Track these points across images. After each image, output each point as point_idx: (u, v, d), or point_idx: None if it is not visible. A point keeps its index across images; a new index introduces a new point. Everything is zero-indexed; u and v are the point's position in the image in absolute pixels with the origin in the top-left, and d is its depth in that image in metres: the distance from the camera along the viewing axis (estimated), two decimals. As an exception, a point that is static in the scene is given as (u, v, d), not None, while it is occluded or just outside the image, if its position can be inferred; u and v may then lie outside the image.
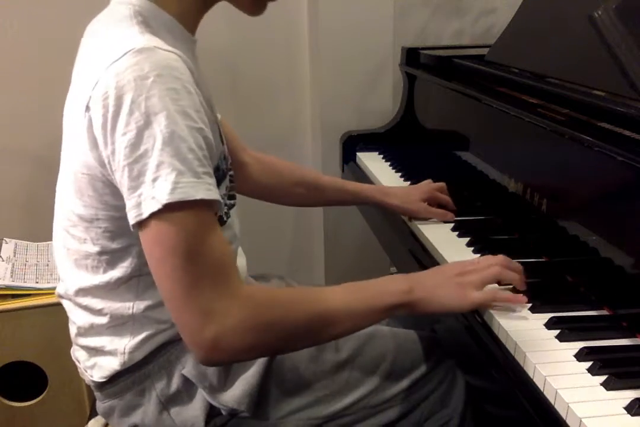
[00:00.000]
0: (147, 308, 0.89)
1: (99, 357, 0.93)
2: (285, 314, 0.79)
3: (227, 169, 0.94)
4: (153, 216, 0.72)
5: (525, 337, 0.81)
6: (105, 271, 0.88)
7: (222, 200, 0.79)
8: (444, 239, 1.12)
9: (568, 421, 0.68)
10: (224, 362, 0.84)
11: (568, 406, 0.68)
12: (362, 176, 1.59)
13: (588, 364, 0.75)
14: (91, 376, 0.95)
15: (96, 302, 0.90)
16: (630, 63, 0.98)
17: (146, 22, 0.81)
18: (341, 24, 1.81)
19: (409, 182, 1.43)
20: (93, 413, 1.10)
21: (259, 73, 1.93)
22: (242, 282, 0.78)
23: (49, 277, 1.51)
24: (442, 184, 1.27)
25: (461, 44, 1.96)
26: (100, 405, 0.98)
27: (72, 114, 0.83)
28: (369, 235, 1.57)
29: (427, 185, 1.27)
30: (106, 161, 0.76)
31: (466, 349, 0.92)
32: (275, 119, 2.00)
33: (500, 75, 1.28)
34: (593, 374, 0.73)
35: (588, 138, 0.90)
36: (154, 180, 0.72)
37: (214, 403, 0.92)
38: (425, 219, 1.21)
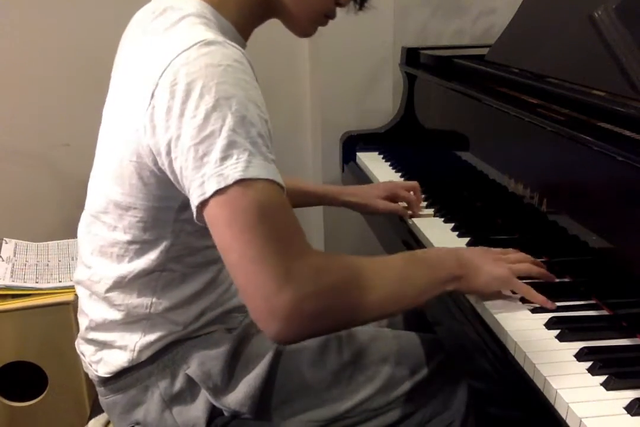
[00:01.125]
0: (165, 309, 0.90)
1: (106, 352, 0.93)
2: (362, 280, 0.76)
3: None
4: (220, 192, 0.70)
5: (525, 337, 0.81)
6: (130, 260, 0.88)
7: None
8: (444, 239, 1.12)
9: (568, 421, 0.68)
10: (303, 331, 0.75)
11: (568, 406, 0.68)
12: (362, 176, 1.59)
13: (588, 364, 0.75)
14: (96, 371, 0.95)
15: (116, 296, 0.90)
16: (630, 63, 0.98)
17: (207, 24, 0.82)
18: (341, 24, 1.80)
19: (409, 182, 1.43)
20: (93, 413, 1.10)
21: (259, 73, 1.92)
22: (313, 248, 0.75)
23: (49, 277, 1.51)
24: (412, 183, 1.27)
25: (461, 44, 1.96)
26: (102, 400, 0.98)
27: (126, 102, 0.82)
28: (368, 235, 1.57)
29: (389, 183, 1.30)
30: (163, 148, 0.75)
31: (467, 350, 0.92)
32: (276, 119, 1.99)
33: (500, 75, 1.28)
34: (593, 374, 0.73)
35: (588, 138, 0.90)
36: (223, 159, 0.71)
37: (216, 404, 0.92)
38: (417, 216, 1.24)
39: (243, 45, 0.90)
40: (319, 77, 1.89)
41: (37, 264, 1.57)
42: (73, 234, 1.48)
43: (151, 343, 0.91)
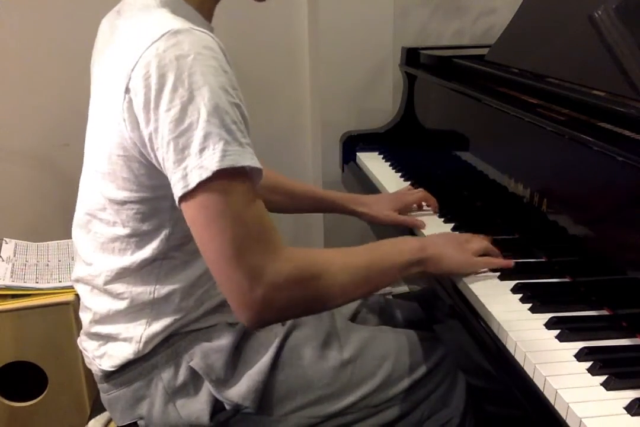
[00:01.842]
0: (168, 293, 0.91)
1: (111, 346, 0.94)
2: (325, 272, 0.83)
3: None
4: (200, 185, 0.74)
5: (525, 337, 0.81)
6: (133, 253, 0.89)
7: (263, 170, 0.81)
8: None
9: (568, 421, 0.68)
10: (272, 320, 0.86)
11: (568, 406, 0.68)
12: (362, 176, 1.59)
13: (588, 364, 0.75)
14: (100, 365, 0.95)
15: (118, 286, 0.91)
16: (630, 63, 0.98)
17: (173, 11, 0.83)
18: (341, 24, 1.81)
19: (409, 182, 1.43)
20: (93, 413, 1.10)
21: (259, 73, 1.93)
22: (283, 244, 0.80)
23: (49, 277, 1.51)
24: (424, 195, 1.26)
25: (461, 44, 1.96)
26: (104, 397, 0.98)
27: (106, 97, 0.84)
28: (369, 235, 1.57)
29: (401, 195, 1.28)
30: (147, 140, 0.78)
31: (466, 349, 0.92)
32: (275, 119, 2.00)
33: (500, 75, 1.28)
34: (593, 374, 0.73)
35: (588, 138, 0.90)
36: (201, 151, 0.74)
37: (219, 397, 0.92)
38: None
39: (209, 28, 0.90)
40: (319, 77, 1.89)
41: (37, 264, 1.57)
42: (73, 234, 1.46)
43: (156, 334, 0.91)
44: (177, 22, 0.79)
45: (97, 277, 0.92)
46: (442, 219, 1.21)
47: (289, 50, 1.94)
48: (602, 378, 0.72)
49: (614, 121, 0.92)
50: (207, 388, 0.93)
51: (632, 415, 0.67)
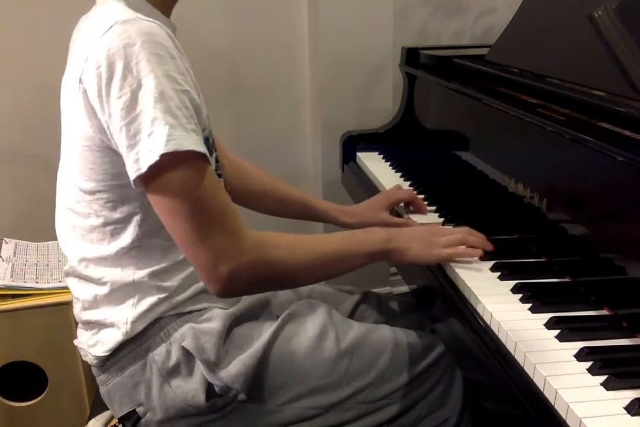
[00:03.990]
0: (148, 275, 0.94)
1: (102, 333, 0.97)
2: (287, 255, 0.88)
3: (213, 144, 0.98)
4: (152, 168, 0.78)
5: (525, 337, 0.81)
6: (109, 243, 0.93)
7: (210, 157, 0.84)
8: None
9: (568, 421, 0.68)
10: (238, 294, 0.95)
11: (568, 406, 0.68)
12: (362, 176, 1.59)
13: (588, 364, 0.75)
14: (94, 353, 0.97)
15: (98, 272, 0.95)
16: (630, 63, 0.98)
17: (127, 4, 0.87)
18: (341, 24, 1.81)
19: (409, 182, 1.43)
20: (93, 413, 1.10)
21: (259, 73, 1.93)
22: (246, 227, 0.86)
23: (49, 277, 1.51)
24: (408, 194, 1.27)
25: (461, 44, 1.96)
26: (103, 391, 1.00)
27: (68, 91, 0.90)
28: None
29: (391, 192, 1.28)
30: (105, 126, 0.82)
31: (466, 349, 0.92)
32: (275, 119, 2.00)
33: (500, 75, 1.28)
34: (593, 374, 0.73)
35: (588, 138, 0.90)
36: (149, 135, 0.78)
37: (210, 379, 0.94)
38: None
39: (170, 25, 0.94)
40: (319, 77, 1.89)
41: (37, 264, 1.57)
42: (73, 234, 1.45)
43: (143, 313, 0.94)
44: (125, 13, 0.83)
45: (78, 266, 0.96)
46: (442, 219, 1.21)
47: (289, 50, 1.93)
48: (602, 378, 0.72)
49: (614, 121, 0.92)
50: (199, 370, 0.95)
51: (632, 415, 0.67)
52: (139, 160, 0.79)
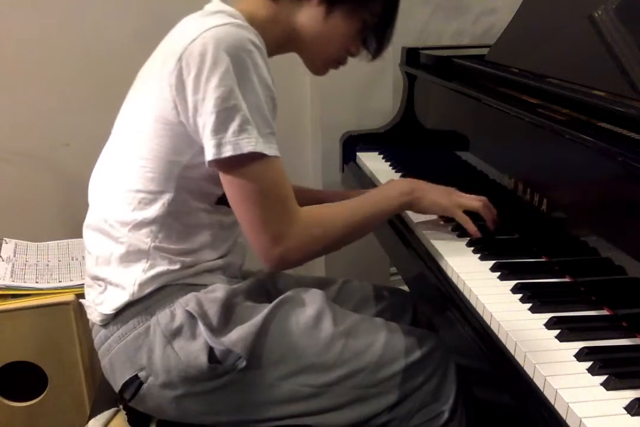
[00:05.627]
0: (163, 249, 0.99)
1: (108, 291, 1.01)
2: (329, 228, 1.01)
3: None
4: (231, 158, 0.89)
5: (525, 337, 0.81)
6: (134, 210, 0.99)
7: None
8: (444, 239, 1.11)
9: (568, 421, 0.68)
10: (288, 268, 1.02)
11: (568, 406, 0.68)
12: (362, 176, 1.59)
13: (588, 364, 0.75)
14: (100, 310, 1.01)
15: (119, 231, 1.00)
16: (630, 63, 0.98)
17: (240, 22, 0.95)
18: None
19: (409, 182, 1.43)
20: (93, 413, 1.10)
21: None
22: (299, 208, 0.97)
23: (49, 277, 1.51)
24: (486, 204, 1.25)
25: (461, 44, 1.96)
26: (105, 364, 1.02)
27: (156, 66, 0.96)
28: (368, 235, 1.57)
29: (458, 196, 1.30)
30: (191, 106, 0.90)
31: (465, 348, 0.92)
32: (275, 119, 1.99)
33: (500, 75, 1.28)
34: (593, 374, 0.73)
35: (588, 138, 0.90)
36: (239, 131, 0.89)
37: (211, 343, 0.96)
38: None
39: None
40: (319, 77, 1.89)
41: (37, 264, 1.57)
42: (73, 234, 1.49)
43: (152, 278, 0.99)
44: (239, 21, 0.93)
45: (102, 221, 1.02)
46: (442, 219, 1.21)
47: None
48: (602, 378, 0.72)
49: (614, 121, 0.92)
50: (202, 333, 0.97)
51: (632, 415, 0.67)
52: (221, 146, 0.88)
